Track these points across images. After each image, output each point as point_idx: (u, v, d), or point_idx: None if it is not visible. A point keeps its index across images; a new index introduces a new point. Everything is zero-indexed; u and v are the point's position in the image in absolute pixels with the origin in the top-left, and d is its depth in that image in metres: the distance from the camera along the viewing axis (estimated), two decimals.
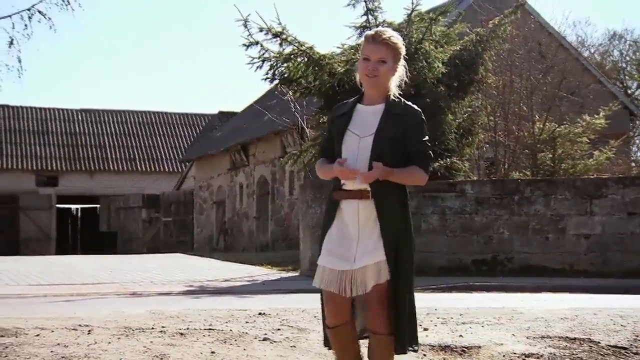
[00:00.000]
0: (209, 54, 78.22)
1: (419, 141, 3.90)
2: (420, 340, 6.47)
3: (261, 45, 14.51)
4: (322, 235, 4.04)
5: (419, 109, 3.93)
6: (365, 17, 14.46)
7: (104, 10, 72.22)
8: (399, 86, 3.98)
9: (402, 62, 3.97)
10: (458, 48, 14.40)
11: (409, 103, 3.93)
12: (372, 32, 3.93)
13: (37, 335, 6.48)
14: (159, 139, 38.84)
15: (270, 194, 25.79)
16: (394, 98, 3.93)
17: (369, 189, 3.84)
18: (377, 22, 14.49)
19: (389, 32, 3.90)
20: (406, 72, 4.01)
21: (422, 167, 3.92)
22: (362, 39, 3.99)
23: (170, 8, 77.80)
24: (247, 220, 27.48)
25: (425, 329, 6.99)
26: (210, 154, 29.79)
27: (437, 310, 8.25)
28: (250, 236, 26.77)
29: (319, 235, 13.58)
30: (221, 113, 37.94)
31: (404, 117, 3.88)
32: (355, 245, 3.89)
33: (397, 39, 3.92)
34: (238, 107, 37.34)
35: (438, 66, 13.68)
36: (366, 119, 3.91)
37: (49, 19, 16.56)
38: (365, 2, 14.38)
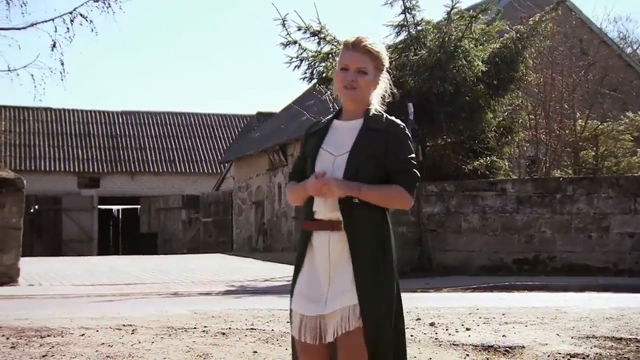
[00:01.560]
0: (247, 54, 78.67)
1: (402, 159, 3.31)
2: (463, 340, 6.46)
3: (299, 45, 14.55)
4: (295, 272, 3.45)
5: (402, 124, 3.39)
6: (402, 16, 14.41)
7: (142, 10, 72.96)
8: (382, 98, 3.47)
9: (385, 74, 3.45)
10: (498, 46, 14.27)
11: (392, 118, 3.39)
12: (351, 38, 3.38)
13: (82, 335, 6.56)
14: (198, 140, 39.11)
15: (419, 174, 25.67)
16: (375, 112, 3.38)
17: (341, 219, 3.27)
18: (415, 21, 14.44)
19: (371, 40, 3.38)
20: (390, 86, 3.49)
21: (405, 187, 3.30)
22: (342, 46, 3.42)
23: (208, 8, 78.42)
24: (286, 220, 27.52)
25: (468, 329, 6.94)
26: (249, 155, 29.89)
27: (479, 310, 8.20)
28: (289, 236, 26.80)
29: None
30: (260, 114, 38.07)
31: (386, 132, 3.32)
32: (327, 284, 3.30)
33: (380, 47, 3.40)
34: (276, 107, 37.46)
35: (478, 64, 13.58)
36: (342, 136, 3.37)
37: (91, 21, 16.72)
38: (403, 0, 14.32)
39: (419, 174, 3.34)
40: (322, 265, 3.32)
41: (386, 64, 3.42)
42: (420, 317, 7.66)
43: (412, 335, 6.67)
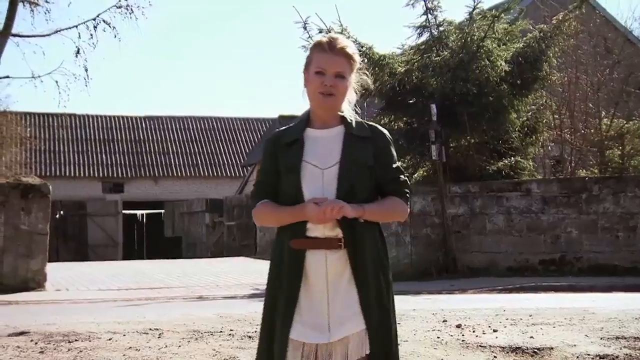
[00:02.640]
0: (268, 58, 78.83)
1: (391, 168, 3.06)
2: (490, 341, 6.42)
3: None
4: (270, 297, 3.09)
5: (386, 130, 3.12)
6: (424, 17, 14.37)
7: (164, 15, 73.37)
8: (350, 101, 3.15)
9: (355, 76, 3.12)
10: (521, 45, 14.18)
11: (372, 124, 3.11)
12: (325, 38, 3.07)
13: (110, 340, 6.60)
14: (221, 144, 39.26)
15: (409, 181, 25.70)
16: (351, 118, 3.08)
17: (340, 235, 2.96)
18: (437, 22, 14.39)
19: (345, 40, 3.08)
20: (364, 86, 3.21)
21: (402, 198, 3.08)
22: (312, 47, 3.10)
23: (228, 11, 78.67)
24: None
25: (495, 330, 6.89)
26: None
27: (506, 311, 8.14)
28: None
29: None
30: (281, 117, 38.14)
31: (372, 140, 3.04)
32: (326, 308, 2.97)
33: (354, 48, 3.08)
34: (298, 110, 37.51)
35: (501, 64, 13.50)
36: (324, 146, 3.02)
37: (114, 27, 16.85)
38: (425, 1, 14.27)
39: (409, 181, 3.13)
40: (318, 288, 2.97)
41: (357, 65, 3.11)
42: (446, 319, 7.62)
43: (438, 337, 6.64)
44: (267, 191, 3.09)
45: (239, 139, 40.26)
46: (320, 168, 2.99)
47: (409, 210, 3.13)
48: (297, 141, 3.04)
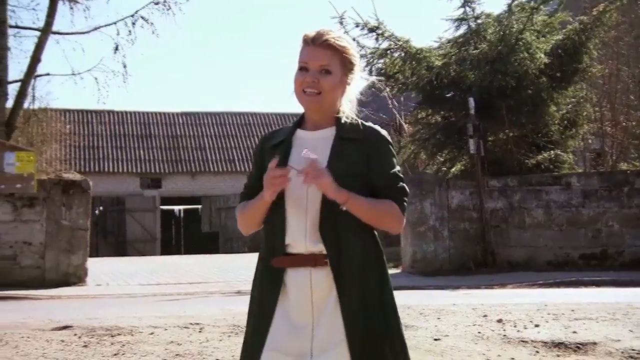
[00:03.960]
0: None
1: (387, 173, 2.69)
2: (532, 336, 6.36)
3: (357, 42, 14.53)
4: (255, 319, 2.73)
5: (384, 131, 2.77)
6: (462, 10, 14.29)
7: (199, 10, 73.78)
8: (351, 101, 2.82)
9: (357, 74, 2.79)
10: (560, 37, 14.01)
11: (370, 124, 2.77)
12: (312, 31, 2.75)
13: (151, 334, 6.66)
14: (256, 139, 39.40)
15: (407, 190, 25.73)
16: (346, 119, 2.75)
17: (324, 251, 2.61)
18: (475, 14, 14.30)
19: (335, 32, 2.75)
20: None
21: (397, 204, 2.68)
22: (302, 42, 2.78)
23: (263, 7, 78.86)
24: None
25: (537, 325, 6.83)
26: None
27: (547, 306, 8.05)
28: None
29: (418, 233, 13.30)
30: None
31: (365, 142, 2.70)
32: (310, 334, 2.61)
33: (346, 41, 2.75)
34: None
35: (540, 57, 13.36)
36: (312, 149, 2.68)
37: (152, 24, 17.02)
38: None
39: (407, 189, 2.74)
40: (302, 310, 2.62)
41: (356, 61, 2.77)
42: (487, 314, 7.56)
43: (479, 332, 6.60)
44: (251, 194, 2.80)
45: None
46: None
47: (404, 221, 2.71)
48: (284, 143, 2.78)
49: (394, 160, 2.74)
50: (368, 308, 2.60)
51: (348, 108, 2.77)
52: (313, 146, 2.68)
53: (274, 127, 41.77)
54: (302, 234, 2.64)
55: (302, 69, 2.72)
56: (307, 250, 2.63)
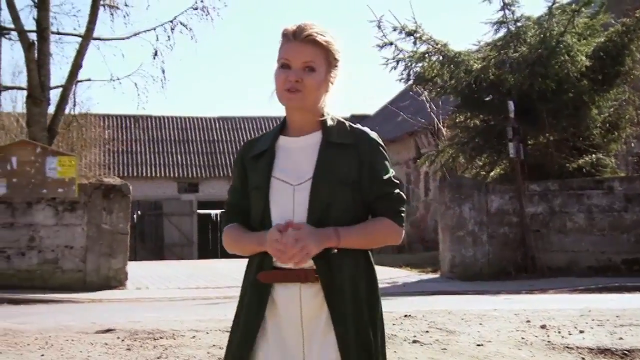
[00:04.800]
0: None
1: (381, 180, 2.48)
2: (577, 343, 6.27)
3: (395, 46, 14.51)
4: (243, 336, 2.50)
5: (375, 133, 2.54)
6: (501, 12, 14.19)
7: (235, 15, 74.23)
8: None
9: (340, 71, 2.56)
10: (602, 40, 13.83)
11: (358, 126, 2.55)
12: (293, 26, 2.53)
13: (193, 337, 6.68)
14: None
15: (405, 195, 25.64)
16: (332, 121, 2.53)
17: (315, 266, 2.41)
18: (515, 17, 14.18)
19: (318, 26, 2.52)
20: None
21: (393, 219, 2.49)
22: (281, 38, 2.55)
23: (301, 13, 79.17)
24: None
25: (581, 331, 6.73)
26: None
27: (591, 312, 7.94)
28: None
29: (457, 237, 13.22)
30: (353, 116, 38.19)
31: (355, 147, 2.48)
32: (301, 351, 2.45)
33: (330, 36, 2.52)
34: (370, 109, 37.43)
35: (581, 59, 13.20)
36: (297, 158, 2.49)
37: (190, 29, 17.15)
38: None
39: (404, 195, 2.54)
40: (291, 328, 2.45)
41: (340, 57, 2.55)
42: (529, 320, 7.48)
43: (523, 338, 6.52)
44: (237, 212, 2.59)
45: None
46: (291, 184, 2.45)
47: (403, 232, 2.52)
48: (267, 152, 2.52)
49: (387, 164, 2.52)
50: (361, 327, 2.43)
51: (331, 108, 2.55)
52: (296, 155, 2.49)
53: None
54: None
55: (284, 66, 2.48)
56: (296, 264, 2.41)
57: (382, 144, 2.52)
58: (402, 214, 2.51)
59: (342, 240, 2.40)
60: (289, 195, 2.43)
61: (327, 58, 2.50)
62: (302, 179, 2.44)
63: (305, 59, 2.46)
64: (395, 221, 2.49)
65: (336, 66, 2.53)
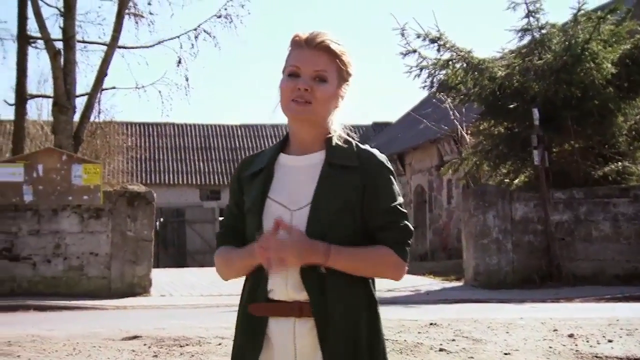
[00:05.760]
0: (360, 65, 78.89)
1: (387, 208, 2.23)
2: (606, 352, 6.21)
3: (418, 54, 14.49)
4: None
5: (383, 156, 2.30)
6: (526, 20, 14.14)
7: (257, 22, 74.48)
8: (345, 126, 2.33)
9: (349, 85, 2.34)
10: (628, 47, 13.72)
11: (366, 147, 2.31)
12: (303, 33, 2.32)
13: (219, 344, 6.70)
14: None
15: (427, 203, 25.61)
16: (338, 141, 2.29)
17: (309, 299, 2.19)
18: (539, 24, 14.13)
19: (332, 34, 2.32)
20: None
21: (395, 249, 2.23)
22: (290, 44, 2.34)
23: (323, 20, 79.31)
24: None
25: (610, 341, 6.67)
26: None
27: (619, 321, 7.86)
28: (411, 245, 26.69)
29: (481, 245, 13.15)
30: (375, 124, 38.19)
31: (360, 170, 2.24)
32: None
33: (343, 46, 2.33)
34: (391, 117, 37.42)
35: (607, 66, 13.11)
36: (296, 179, 2.27)
37: (214, 37, 17.25)
38: (526, 4, 14.03)
39: (411, 226, 2.28)
40: None
41: (352, 71, 2.33)
42: (557, 328, 7.42)
43: (550, 347, 6.47)
44: (231, 235, 2.37)
45: None
46: (289, 209, 2.23)
47: (406, 266, 2.26)
48: (264, 171, 2.30)
49: (395, 191, 2.25)
50: None
51: (339, 126, 2.30)
52: (295, 176, 2.27)
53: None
54: (283, 279, 2.21)
55: (292, 74, 2.25)
56: (289, 297, 2.20)
57: (391, 168, 2.28)
58: (407, 247, 2.25)
59: (332, 258, 2.15)
60: (286, 219, 2.19)
61: (340, 70, 2.29)
62: (300, 203, 2.23)
63: (316, 67, 2.24)
64: (398, 253, 2.22)
65: (348, 80, 2.32)
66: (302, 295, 2.18)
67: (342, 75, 2.29)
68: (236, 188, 2.37)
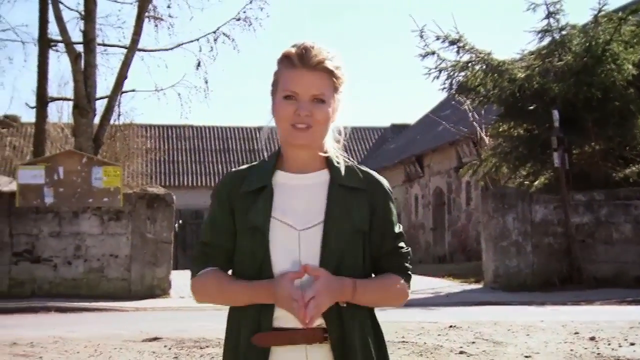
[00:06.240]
0: (379, 67, 78.89)
1: (394, 234, 2.21)
2: (628, 355, 6.16)
3: (437, 55, 14.45)
4: None
5: (384, 179, 2.26)
6: (546, 21, 14.07)
7: (275, 24, 74.62)
8: (337, 141, 2.26)
9: (340, 96, 2.21)
10: None
11: (366, 169, 2.25)
12: (297, 48, 2.16)
13: None
14: None
15: (446, 205, 25.55)
16: (337, 160, 2.23)
17: (324, 325, 2.09)
18: (559, 25, 14.05)
19: (325, 48, 2.18)
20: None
21: (403, 276, 2.21)
22: (279, 60, 2.21)
23: (342, 23, 79.22)
24: (423, 231, 27.35)
25: (632, 344, 6.62)
26: (384, 167, 30.00)
27: None
28: (427, 248, 26.60)
29: (501, 247, 13.12)
30: (394, 126, 38.16)
31: (367, 193, 2.19)
32: None
33: (338, 60, 2.20)
34: (409, 119, 37.36)
35: (628, 68, 13.02)
36: (301, 198, 2.17)
37: (233, 39, 17.29)
38: (546, 5, 13.97)
39: (410, 252, 2.25)
40: None
41: (343, 82, 2.21)
42: (578, 331, 7.38)
43: (571, 350, 6.44)
44: (214, 256, 2.19)
45: (351, 148, 40.44)
46: (296, 229, 2.12)
47: (409, 293, 2.24)
48: (264, 190, 2.17)
49: (395, 216, 2.23)
50: None
51: (333, 146, 2.23)
52: (300, 195, 2.17)
53: (349, 141, 41.76)
54: None
55: (289, 97, 2.13)
56: (299, 324, 2.05)
57: (391, 192, 2.25)
58: (410, 273, 2.23)
59: (358, 294, 2.09)
60: (293, 240, 2.10)
61: (334, 85, 2.17)
62: (308, 223, 2.12)
63: (315, 90, 2.12)
64: (406, 280, 2.21)
65: (340, 92, 2.20)
66: (316, 321, 2.05)
67: (336, 88, 2.18)
68: (225, 204, 2.19)
